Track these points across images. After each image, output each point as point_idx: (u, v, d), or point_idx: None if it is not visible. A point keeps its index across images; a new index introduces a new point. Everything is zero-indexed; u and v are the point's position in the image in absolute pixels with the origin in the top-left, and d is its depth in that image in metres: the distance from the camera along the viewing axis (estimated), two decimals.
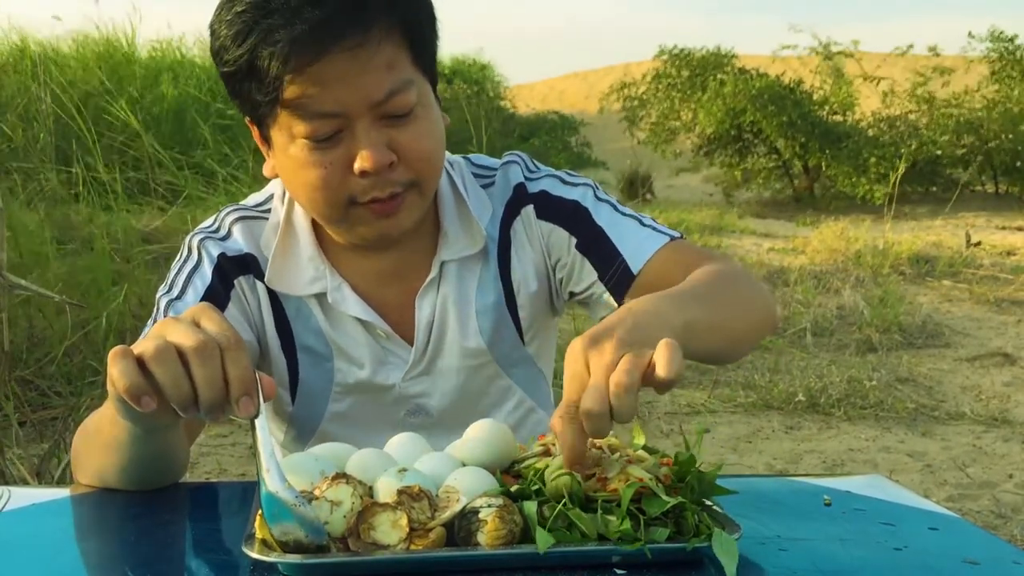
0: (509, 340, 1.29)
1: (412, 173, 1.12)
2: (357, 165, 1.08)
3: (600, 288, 1.24)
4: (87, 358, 3.98)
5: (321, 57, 1.02)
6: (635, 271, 1.21)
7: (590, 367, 0.84)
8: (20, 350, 3.95)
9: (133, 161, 5.96)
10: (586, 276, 1.25)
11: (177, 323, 0.84)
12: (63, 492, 1.12)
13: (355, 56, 1.04)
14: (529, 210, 1.27)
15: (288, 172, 1.13)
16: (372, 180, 1.09)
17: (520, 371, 1.31)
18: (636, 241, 1.23)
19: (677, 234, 1.25)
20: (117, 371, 0.81)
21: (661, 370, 0.81)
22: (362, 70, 1.05)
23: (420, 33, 1.11)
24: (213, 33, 1.09)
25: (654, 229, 1.25)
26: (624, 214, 1.27)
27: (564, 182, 1.29)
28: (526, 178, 1.29)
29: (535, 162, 1.32)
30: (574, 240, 1.25)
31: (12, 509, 1.03)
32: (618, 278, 1.22)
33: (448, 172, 1.26)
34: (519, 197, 1.28)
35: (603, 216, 1.26)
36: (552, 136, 17.28)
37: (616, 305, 1.22)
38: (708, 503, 0.88)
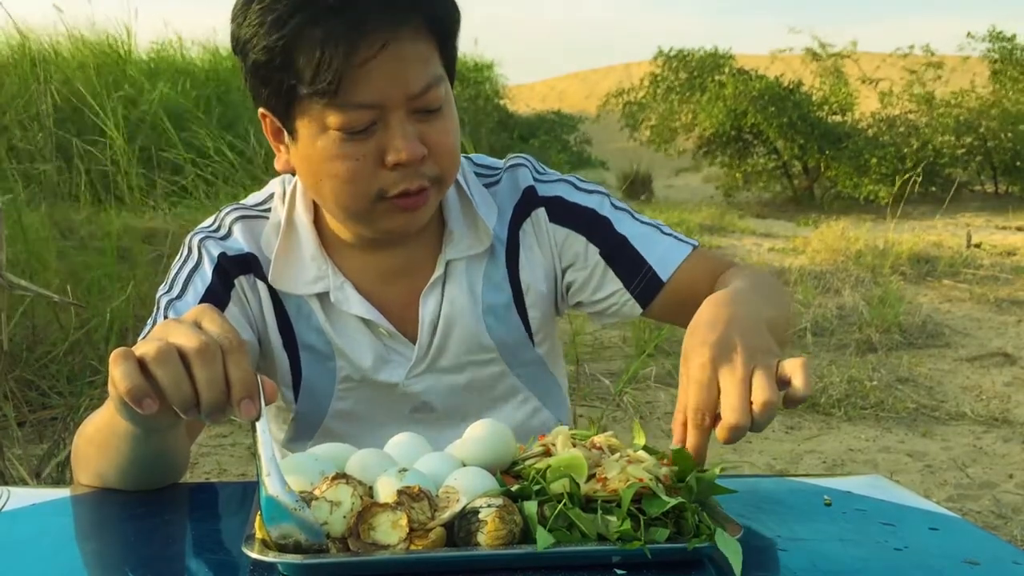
0: (518, 340, 1.29)
1: (438, 168, 1.12)
2: (391, 158, 1.08)
3: (624, 297, 1.27)
4: (87, 358, 3.98)
5: (380, 48, 1.02)
6: (664, 279, 1.24)
7: (721, 379, 0.90)
8: (20, 349, 3.95)
9: (132, 161, 5.96)
10: (608, 285, 1.27)
11: (179, 324, 0.84)
12: (63, 492, 1.12)
13: (398, 49, 1.04)
14: (540, 213, 1.28)
15: (313, 165, 1.11)
16: (402, 173, 1.09)
17: (529, 371, 1.32)
18: (661, 249, 1.26)
19: (695, 242, 1.29)
20: (119, 373, 0.81)
21: (800, 388, 0.89)
22: (405, 62, 1.05)
23: (450, 31, 1.12)
24: (240, 21, 1.07)
25: (675, 238, 1.28)
26: (643, 222, 1.29)
27: (577, 188, 1.31)
28: (536, 180, 1.30)
29: (542, 165, 1.33)
30: (595, 248, 1.27)
31: (12, 509, 1.03)
32: (645, 286, 1.25)
33: None
34: (529, 199, 1.28)
35: (624, 225, 1.28)
36: (551, 136, 17.27)
37: (639, 312, 1.26)
38: (708, 503, 0.88)
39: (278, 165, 1.18)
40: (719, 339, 0.92)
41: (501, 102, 18.06)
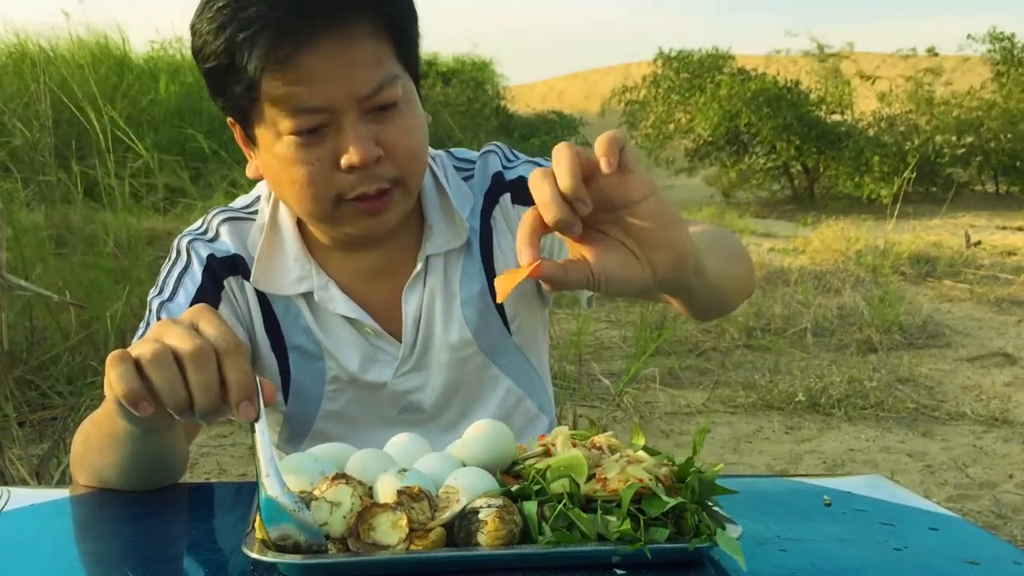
0: (495, 330, 1.29)
1: (398, 169, 1.11)
2: (344, 160, 1.07)
3: None
4: (88, 358, 3.98)
5: (301, 47, 1.02)
6: None
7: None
8: (20, 350, 3.95)
9: (132, 162, 5.96)
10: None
11: (175, 326, 0.84)
12: (63, 492, 1.12)
13: (342, 50, 1.04)
14: (506, 198, 1.28)
15: (274, 170, 1.12)
16: (359, 175, 1.09)
17: (507, 361, 1.31)
18: None
19: None
20: (115, 375, 0.82)
21: (605, 166, 0.83)
22: (350, 64, 1.05)
23: (404, 29, 1.11)
24: (195, 32, 1.08)
25: None
26: None
27: (540, 166, 1.29)
28: (503, 167, 1.29)
29: (514, 151, 1.32)
30: None
31: (12, 509, 1.03)
32: None
33: (431, 166, 1.26)
34: (497, 186, 1.28)
35: None
36: (552, 136, 17.26)
37: None
38: (708, 503, 0.88)
39: (249, 172, 1.19)
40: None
41: (501, 103, 18.07)
